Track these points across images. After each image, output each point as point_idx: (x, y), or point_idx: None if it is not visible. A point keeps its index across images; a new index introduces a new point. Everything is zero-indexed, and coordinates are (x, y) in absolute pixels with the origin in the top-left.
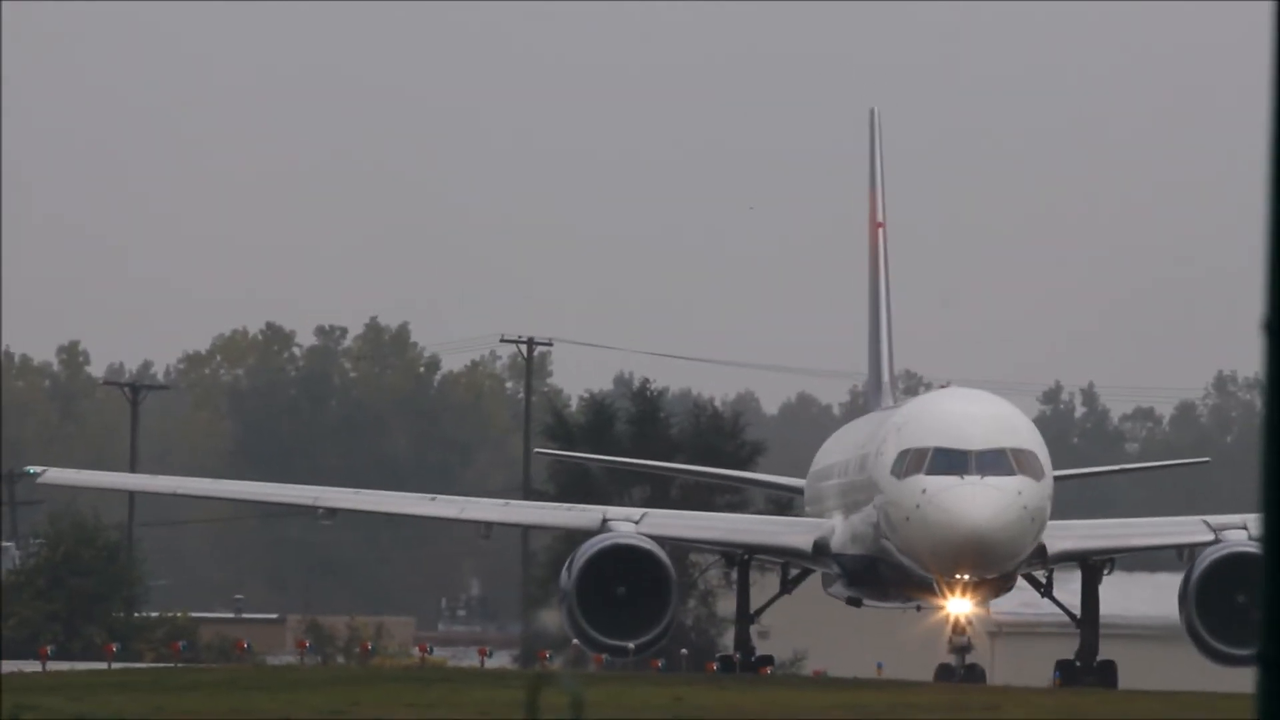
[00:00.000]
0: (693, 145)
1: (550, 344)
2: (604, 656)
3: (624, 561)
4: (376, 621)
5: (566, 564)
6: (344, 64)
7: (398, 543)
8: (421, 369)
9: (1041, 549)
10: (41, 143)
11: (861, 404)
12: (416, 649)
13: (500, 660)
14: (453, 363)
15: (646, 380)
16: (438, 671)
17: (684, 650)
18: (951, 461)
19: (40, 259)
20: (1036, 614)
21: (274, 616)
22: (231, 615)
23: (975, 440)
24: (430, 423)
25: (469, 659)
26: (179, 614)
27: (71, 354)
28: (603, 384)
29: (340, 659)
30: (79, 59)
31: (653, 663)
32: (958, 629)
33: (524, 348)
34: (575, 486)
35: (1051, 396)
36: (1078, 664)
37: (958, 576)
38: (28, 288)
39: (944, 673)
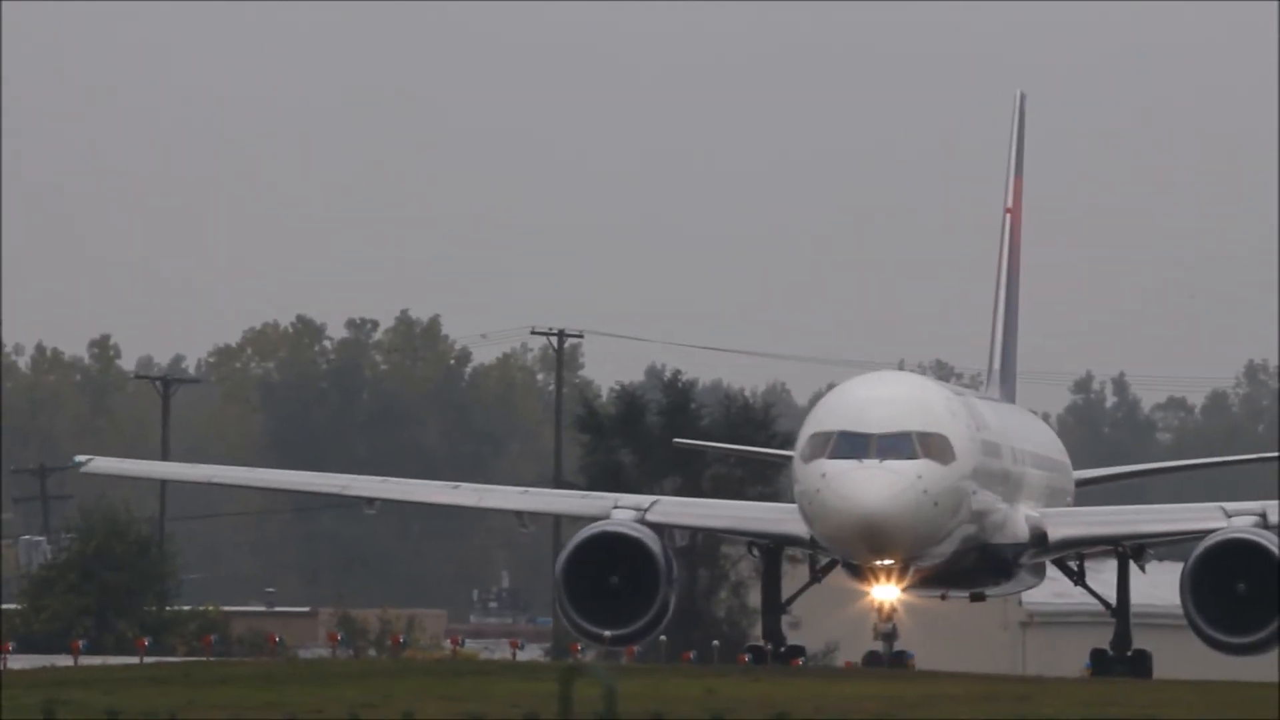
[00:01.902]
0: (721, 139)
1: (581, 336)
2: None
3: (614, 550)
4: (408, 614)
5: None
6: (372, 62)
7: (429, 535)
8: (452, 361)
9: (1042, 536)
10: (71, 142)
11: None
12: (448, 641)
13: (532, 652)
14: (484, 355)
15: (677, 371)
16: (470, 664)
17: (716, 642)
18: (853, 445)
19: (70, 254)
20: (1069, 604)
21: (306, 610)
22: (263, 609)
23: (877, 424)
24: (461, 415)
25: (501, 651)
26: (211, 608)
27: (103, 348)
28: (634, 375)
29: (372, 652)
30: (108, 65)
31: (684, 655)
32: (883, 615)
33: (555, 340)
34: (607, 478)
35: (1082, 386)
36: (1111, 654)
37: (874, 561)
38: (59, 282)
39: (871, 659)
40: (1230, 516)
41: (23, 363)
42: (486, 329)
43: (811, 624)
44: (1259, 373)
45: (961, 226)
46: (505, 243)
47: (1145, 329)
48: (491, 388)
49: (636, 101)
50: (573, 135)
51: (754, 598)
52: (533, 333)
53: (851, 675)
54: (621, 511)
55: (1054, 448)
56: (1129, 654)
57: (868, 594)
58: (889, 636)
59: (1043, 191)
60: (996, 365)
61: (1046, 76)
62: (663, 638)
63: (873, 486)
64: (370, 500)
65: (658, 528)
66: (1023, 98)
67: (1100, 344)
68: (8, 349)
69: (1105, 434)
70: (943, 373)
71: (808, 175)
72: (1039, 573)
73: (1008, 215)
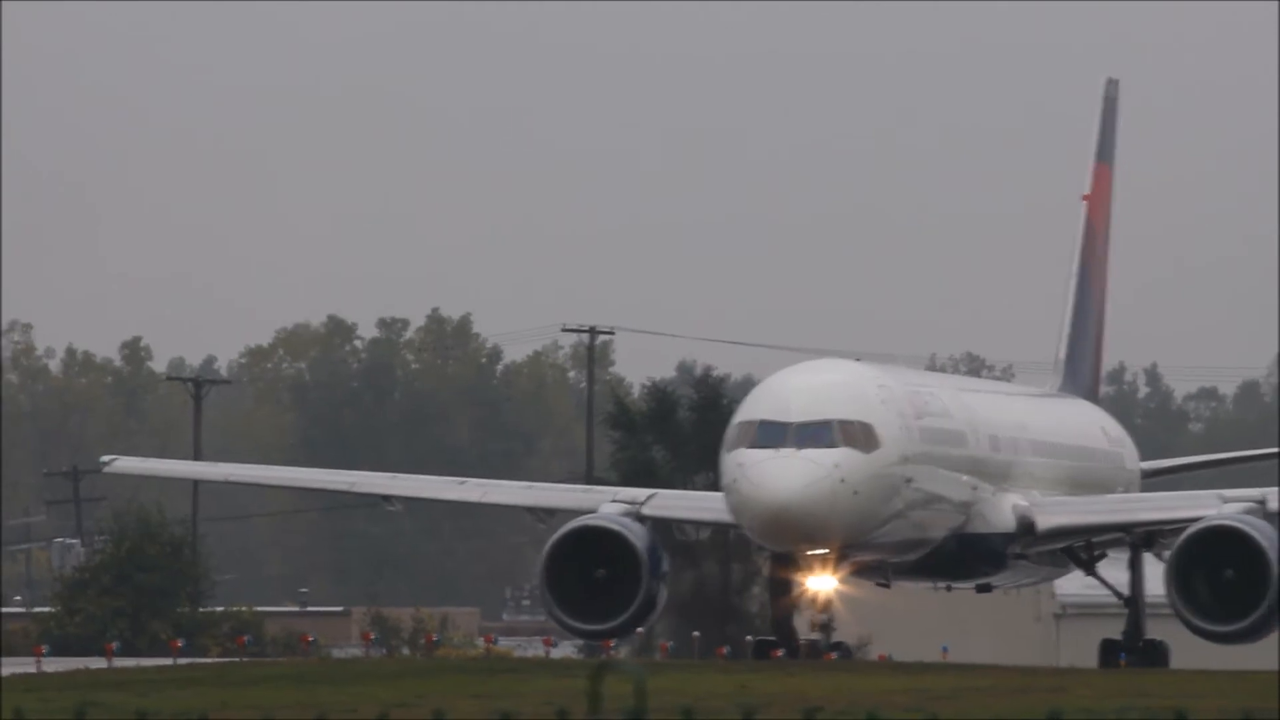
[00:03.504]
0: (749, 132)
1: (612, 332)
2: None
3: (599, 544)
4: (441, 613)
5: None
6: (405, 68)
7: (460, 534)
8: (484, 359)
9: (1030, 525)
10: (101, 148)
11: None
12: (481, 640)
13: (565, 649)
14: (515, 353)
15: (709, 367)
16: (503, 662)
17: (750, 637)
18: (772, 434)
19: (101, 258)
20: (1103, 595)
21: (339, 609)
22: (296, 609)
23: (797, 412)
24: (493, 413)
25: (534, 649)
26: (244, 608)
27: (134, 350)
28: (665, 372)
29: (405, 651)
30: (139, 75)
31: (718, 650)
32: (818, 606)
33: (586, 337)
34: (639, 474)
35: (1115, 377)
36: (1123, 643)
37: (794, 551)
38: (89, 286)
39: (811, 649)
40: (1227, 503)
41: (54, 365)
42: (518, 327)
43: (843, 619)
44: None
45: (997, 220)
46: (536, 240)
47: (1177, 319)
48: (523, 385)
49: (665, 98)
50: (602, 133)
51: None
52: (564, 330)
53: (884, 669)
54: (613, 505)
55: (1094, 438)
56: (1141, 644)
57: (803, 584)
58: (825, 627)
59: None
60: (1062, 354)
61: (1064, 58)
62: (642, 633)
63: (786, 475)
64: (386, 498)
65: (656, 521)
66: (1110, 83)
67: (1132, 335)
68: (39, 352)
69: (1138, 425)
70: (974, 364)
71: (839, 169)
72: (1058, 562)
73: (1085, 202)
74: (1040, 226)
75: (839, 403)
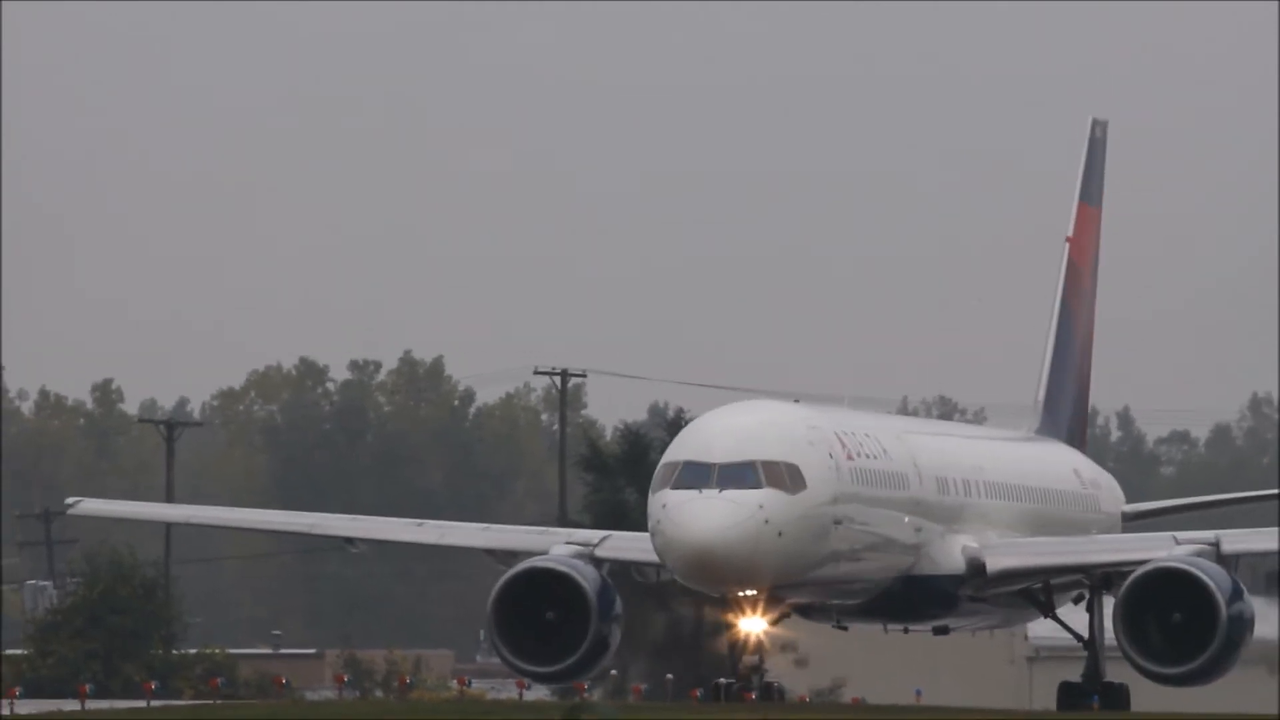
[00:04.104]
0: (719, 169)
1: (584, 375)
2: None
3: (547, 587)
4: (415, 655)
5: None
6: (375, 102)
7: (434, 576)
8: (456, 402)
9: (980, 567)
10: (71, 185)
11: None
12: (455, 682)
13: (539, 692)
14: (487, 395)
15: (680, 409)
16: (477, 704)
17: (721, 679)
18: (696, 475)
19: (72, 298)
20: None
21: (312, 651)
22: (269, 651)
23: (721, 453)
24: (465, 455)
25: (508, 691)
26: (217, 650)
27: (105, 392)
28: (637, 414)
29: (379, 693)
30: (110, 106)
31: (692, 692)
32: (748, 648)
33: (558, 379)
34: (611, 516)
35: (1089, 420)
36: (1083, 685)
37: (717, 593)
38: (60, 326)
39: (714, 691)
40: (1179, 545)
41: (26, 408)
42: (490, 369)
43: (818, 661)
44: (1263, 406)
45: (973, 261)
46: (508, 283)
47: (1149, 363)
48: (495, 428)
49: (638, 136)
50: (572, 178)
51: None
52: (536, 373)
53: (859, 711)
54: (564, 547)
55: (1063, 480)
56: (1099, 687)
57: (734, 626)
58: (754, 669)
59: (1038, 219)
60: (1041, 396)
61: (1056, 84)
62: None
63: (708, 516)
64: (349, 540)
65: (615, 563)
66: (1096, 124)
67: (1104, 378)
68: (11, 394)
69: (1110, 468)
70: (946, 408)
71: (811, 207)
72: (1019, 605)
73: (1068, 244)
74: (1018, 268)
75: (764, 443)
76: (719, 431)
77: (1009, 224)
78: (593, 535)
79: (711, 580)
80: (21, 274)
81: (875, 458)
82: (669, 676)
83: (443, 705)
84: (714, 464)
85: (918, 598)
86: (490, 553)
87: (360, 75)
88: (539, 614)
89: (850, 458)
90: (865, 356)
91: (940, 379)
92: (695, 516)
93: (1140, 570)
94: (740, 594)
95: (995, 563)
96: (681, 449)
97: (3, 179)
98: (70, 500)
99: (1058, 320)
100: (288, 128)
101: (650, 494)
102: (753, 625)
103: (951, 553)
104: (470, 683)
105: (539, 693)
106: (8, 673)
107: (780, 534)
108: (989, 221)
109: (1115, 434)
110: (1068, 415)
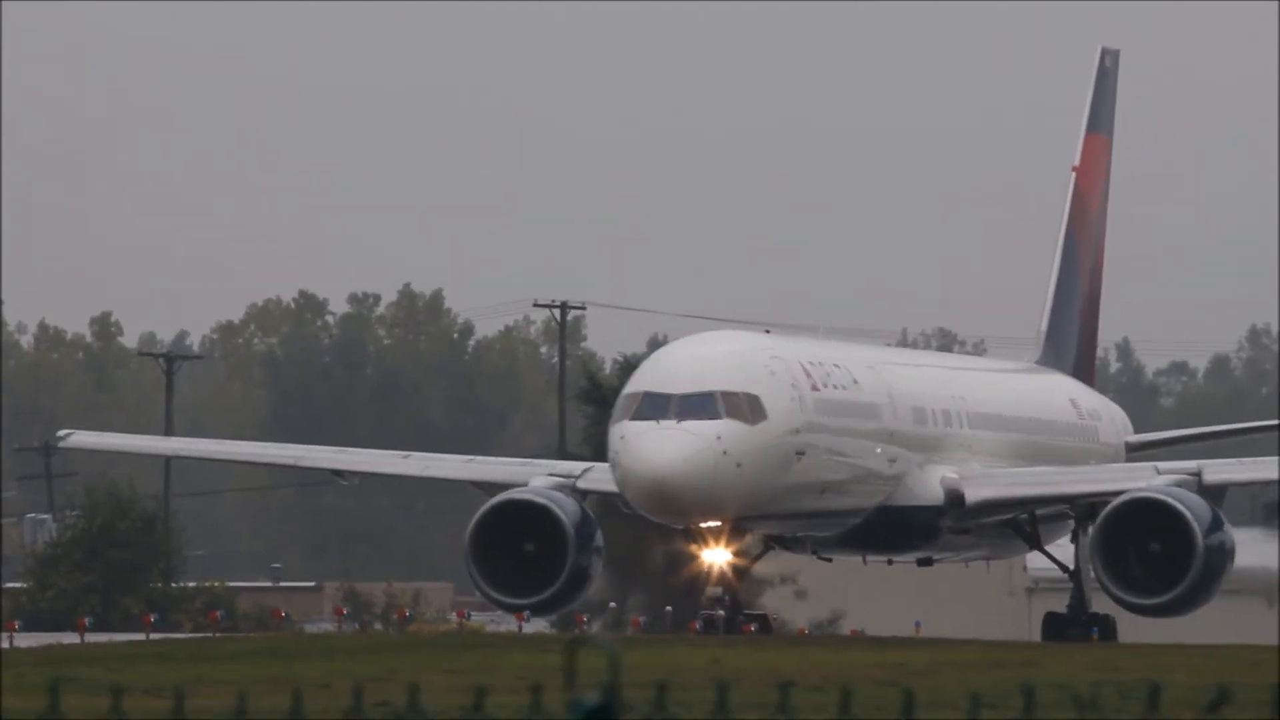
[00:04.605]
0: (722, 108)
1: (583, 308)
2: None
3: (523, 518)
4: (414, 588)
5: None
6: (373, 44)
7: (434, 510)
8: (455, 335)
9: (959, 498)
10: (74, 120)
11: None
12: (454, 614)
13: (538, 624)
14: (487, 328)
15: None
16: (476, 637)
17: (720, 612)
18: (655, 406)
19: (73, 232)
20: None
21: (311, 584)
22: (269, 584)
23: (681, 384)
24: (465, 388)
25: (507, 623)
26: (216, 583)
27: (104, 325)
28: (636, 347)
29: (378, 625)
30: (115, 46)
31: (691, 624)
32: (711, 579)
33: (557, 312)
34: None
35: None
36: (1068, 617)
37: (678, 524)
38: (61, 260)
39: (707, 625)
40: (1160, 475)
41: (25, 341)
42: (490, 302)
43: (817, 594)
44: (1261, 337)
45: (977, 194)
46: (508, 216)
47: (1149, 294)
48: (495, 361)
49: (640, 70)
50: (573, 106)
51: (759, 567)
52: (535, 305)
53: (857, 643)
54: (544, 479)
55: (1058, 410)
56: (1085, 618)
57: (699, 557)
58: (718, 600)
59: (1045, 155)
60: (1044, 327)
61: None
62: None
63: (666, 448)
64: (338, 472)
65: (599, 495)
66: (1105, 54)
67: (1103, 310)
68: (10, 327)
69: (1110, 399)
70: (945, 340)
71: (810, 145)
72: (1009, 536)
73: (1074, 174)
74: (1027, 201)
75: (723, 373)
76: (680, 362)
77: (1015, 158)
78: (575, 467)
79: (670, 512)
80: (21, 207)
81: (844, 388)
82: (668, 608)
83: (442, 638)
84: (673, 395)
85: (896, 529)
86: (476, 485)
87: (353, 21)
88: (519, 546)
89: (816, 388)
90: (866, 287)
91: (942, 312)
92: (652, 448)
93: (1117, 501)
94: (703, 525)
95: (974, 493)
96: (642, 380)
97: (3, 113)
98: (62, 433)
99: (1062, 250)
100: (287, 61)
101: (610, 425)
102: (716, 556)
103: (929, 484)
104: (469, 615)
105: (538, 625)
106: (7, 606)
107: (739, 465)
108: (995, 156)
109: (1115, 365)
110: (1073, 347)
